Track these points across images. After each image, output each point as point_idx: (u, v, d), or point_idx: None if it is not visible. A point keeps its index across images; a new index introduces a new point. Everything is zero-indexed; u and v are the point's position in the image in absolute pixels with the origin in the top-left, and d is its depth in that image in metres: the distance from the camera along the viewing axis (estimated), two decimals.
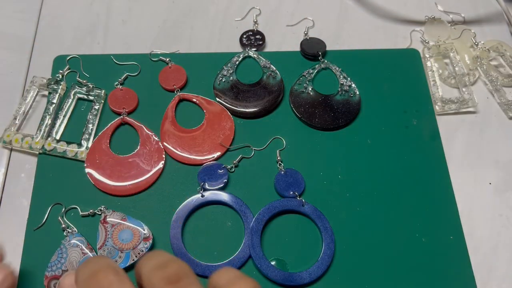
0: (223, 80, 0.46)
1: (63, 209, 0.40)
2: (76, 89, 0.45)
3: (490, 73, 0.48)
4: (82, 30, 0.50)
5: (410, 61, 0.49)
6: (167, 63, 0.47)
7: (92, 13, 0.51)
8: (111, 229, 0.38)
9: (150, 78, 0.46)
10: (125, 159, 0.42)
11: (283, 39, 0.50)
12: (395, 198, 0.41)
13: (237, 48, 0.49)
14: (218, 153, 0.43)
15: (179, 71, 0.46)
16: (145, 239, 0.38)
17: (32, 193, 0.41)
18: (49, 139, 0.43)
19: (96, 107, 0.44)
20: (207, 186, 0.41)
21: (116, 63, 0.47)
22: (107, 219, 0.39)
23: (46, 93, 0.46)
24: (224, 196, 0.40)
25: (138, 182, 0.41)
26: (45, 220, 0.40)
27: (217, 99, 0.45)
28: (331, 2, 0.53)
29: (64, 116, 0.44)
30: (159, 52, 0.48)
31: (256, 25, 0.51)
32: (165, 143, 0.43)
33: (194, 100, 0.45)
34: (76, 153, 0.42)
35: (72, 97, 0.45)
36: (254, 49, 0.48)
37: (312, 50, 0.48)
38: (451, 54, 0.49)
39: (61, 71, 0.46)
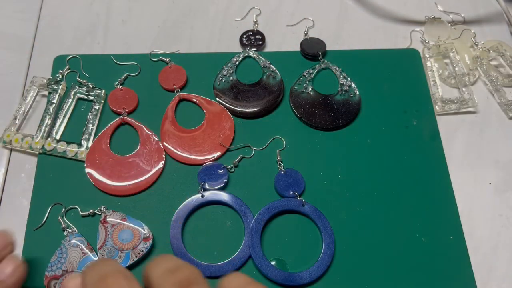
0: (223, 80, 0.46)
1: (63, 209, 0.40)
2: (76, 89, 0.45)
3: (490, 73, 0.48)
4: (82, 30, 0.50)
5: (410, 61, 0.49)
6: (167, 63, 0.47)
7: (92, 13, 0.51)
8: (111, 229, 0.38)
9: (150, 78, 0.46)
10: (125, 159, 0.42)
11: (283, 39, 0.50)
12: (395, 198, 0.41)
13: (237, 48, 0.49)
14: (218, 153, 0.43)
15: (179, 71, 0.46)
16: (145, 239, 0.38)
17: (32, 193, 0.41)
18: (49, 139, 0.43)
19: (96, 107, 0.44)
20: (207, 186, 0.41)
21: (116, 63, 0.47)
22: (107, 219, 0.39)
23: (46, 93, 0.46)
24: (224, 196, 0.40)
25: (138, 182, 0.41)
26: (45, 220, 0.40)
27: (217, 99, 0.45)
28: (331, 2, 0.53)
29: (64, 116, 0.44)
30: (159, 52, 0.48)
31: (256, 25, 0.51)
32: (165, 143, 0.43)
33: (194, 100, 0.45)
34: (76, 153, 0.42)
35: (72, 97, 0.45)
36: (254, 49, 0.48)
37: (312, 50, 0.48)
38: (451, 54, 0.49)
39: (61, 71, 0.46)
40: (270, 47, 0.50)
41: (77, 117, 0.45)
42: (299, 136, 0.44)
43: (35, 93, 0.45)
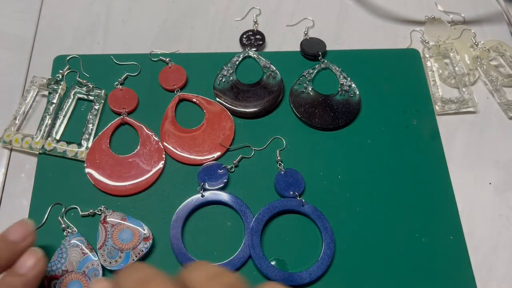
0: (223, 80, 0.46)
1: (63, 209, 0.40)
2: (76, 89, 0.45)
3: (490, 73, 0.48)
4: (82, 30, 0.50)
5: (410, 61, 0.49)
6: (167, 63, 0.47)
7: (92, 13, 0.51)
8: (111, 229, 0.38)
9: (150, 78, 0.46)
10: (125, 159, 0.42)
11: (283, 39, 0.50)
12: (395, 198, 0.41)
13: (237, 48, 0.49)
14: (218, 153, 0.43)
15: (179, 71, 0.46)
16: (145, 239, 0.38)
17: (32, 193, 0.41)
18: (49, 139, 0.43)
19: (96, 107, 0.44)
20: (207, 186, 0.41)
21: (116, 63, 0.47)
22: (107, 219, 0.39)
23: (46, 93, 0.46)
24: (224, 196, 0.40)
25: (138, 182, 0.41)
26: (45, 220, 0.40)
27: (217, 99, 0.45)
28: (331, 2, 0.53)
29: (64, 116, 0.44)
30: (159, 52, 0.48)
31: (256, 25, 0.51)
32: (165, 143, 0.43)
33: (194, 100, 0.45)
34: (76, 153, 0.42)
35: (72, 97, 0.45)
36: (254, 49, 0.48)
37: (312, 50, 0.48)
38: (451, 54, 0.49)
39: (61, 71, 0.46)
40: (270, 47, 0.50)
41: (77, 117, 0.45)
42: (299, 136, 0.44)
43: (35, 93, 0.45)
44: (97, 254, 0.38)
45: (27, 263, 0.32)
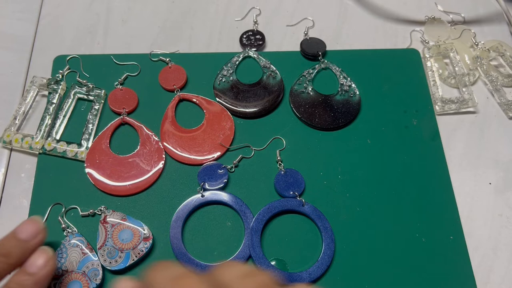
0: (223, 80, 0.46)
1: (63, 209, 0.40)
2: (76, 89, 0.45)
3: (490, 73, 0.48)
4: (82, 30, 0.50)
5: (410, 61, 0.49)
6: (167, 63, 0.47)
7: (92, 13, 0.51)
8: (111, 229, 0.38)
9: (150, 78, 0.46)
10: (125, 159, 0.42)
11: (283, 39, 0.50)
12: (395, 198, 0.41)
13: (237, 48, 0.49)
14: (218, 153, 0.43)
15: (179, 71, 0.46)
16: (145, 239, 0.38)
17: (32, 193, 0.41)
18: (49, 139, 0.43)
19: (96, 107, 0.44)
20: (207, 186, 0.41)
21: (116, 63, 0.47)
22: (107, 219, 0.39)
23: (46, 93, 0.46)
24: (224, 196, 0.40)
25: (138, 182, 0.41)
26: (45, 220, 0.40)
27: (217, 99, 0.45)
28: (331, 2, 0.53)
29: (64, 116, 0.44)
30: (159, 52, 0.48)
31: (256, 25, 0.51)
32: (165, 143, 0.43)
33: (194, 100, 0.45)
34: (76, 153, 0.42)
35: (72, 97, 0.45)
36: (254, 49, 0.48)
37: (312, 50, 0.48)
38: (451, 54, 0.49)
39: (61, 71, 0.46)
40: (270, 47, 0.50)
41: (77, 117, 0.45)
42: (299, 136, 0.44)
43: (35, 93, 0.45)
44: (97, 254, 0.38)
45: (37, 262, 0.32)
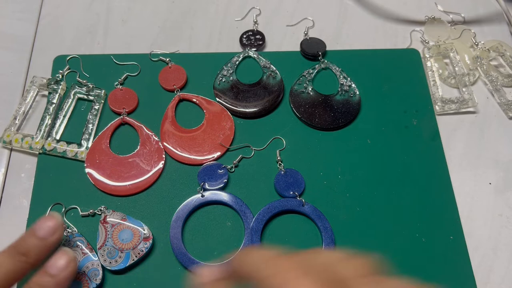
0: (223, 80, 0.46)
1: (63, 209, 0.40)
2: (76, 89, 0.45)
3: (490, 73, 0.48)
4: (82, 30, 0.50)
5: (410, 61, 0.49)
6: (167, 63, 0.47)
7: (92, 13, 0.51)
8: (111, 229, 0.38)
9: (150, 78, 0.46)
10: (125, 159, 0.42)
11: (283, 39, 0.50)
12: (395, 198, 0.41)
13: (237, 48, 0.49)
14: (218, 153, 0.43)
15: (179, 71, 0.46)
16: (145, 239, 0.38)
17: (32, 193, 0.41)
18: (49, 139, 0.43)
19: (96, 107, 0.44)
20: (207, 186, 0.41)
21: (116, 63, 0.47)
22: (107, 219, 0.39)
23: (46, 93, 0.46)
24: (224, 196, 0.40)
25: (138, 182, 0.41)
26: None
27: (217, 99, 0.45)
28: (331, 2, 0.53)
29: (64, 116, 0.44)
30: (159, 52, 0.48)
31: (256, 25, 0.51)
32: (165, 143, 0.43)
33: (194, 100, 0.45)
34: (76, 153, 0.42)
35: (72, 97, 0.45)
36: (254, 49, 0.48)
37: (312, 50, 0.48)
38: (451, 54, 0.49)
39: (61, 71, 0.46)
40: (270, 47, 0.50)
41: (77, 117, 0.45)
42: (299, 136, 0.44)
43: (35, 93, 0.45)
44: (97, 254, 0.38)
45: (58, 263, 0.32)
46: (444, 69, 0.48)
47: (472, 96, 0.46)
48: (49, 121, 0.43)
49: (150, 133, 0.43)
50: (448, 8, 0.52)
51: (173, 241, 0.39)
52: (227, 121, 0.44)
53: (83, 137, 0.43)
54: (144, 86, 0.46)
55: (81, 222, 0.40)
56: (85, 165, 0.42)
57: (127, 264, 0.37)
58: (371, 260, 0.23)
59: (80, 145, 0.43)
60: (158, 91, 0.46)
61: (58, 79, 0.45)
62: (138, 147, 0.43)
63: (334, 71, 0.47)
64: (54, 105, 0.44)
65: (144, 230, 0.38)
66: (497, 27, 0.52)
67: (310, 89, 0.46)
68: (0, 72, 0.47)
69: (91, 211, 0.40)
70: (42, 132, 0.43)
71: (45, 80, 0.45)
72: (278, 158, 0.43)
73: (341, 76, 0.47)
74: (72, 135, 0.43)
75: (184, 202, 0.40)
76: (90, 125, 0.44)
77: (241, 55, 0.48)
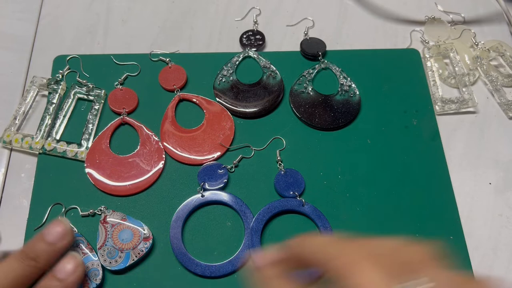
0: (223, 80, 0.46)
1: (63, 209, 0.40)
2: (76, 89, 0.45)
3: (490, 73, 0.48)
4: (82, 30, 0.50)
5: (410, 61, 0.49)
6: (167, 63, 0.47)
7: (92, 13, 0.51)
8: (111, 229, 0.38)
9: (150, 78, 0.46)
10: (125, 159, 0.42)
11: (283, 39, 0.50)
12: (395, 198, 0.41)
13: (237, 48, 0.49)
14: (218, 153, 0.43)
15: (179, 71, 0.46)
16: (145, 239, 0.38)
17: (32, 193, 0.41)
18: (49, 139, 0.43)
19: (96, 107, 0.44)
20: (207, 186, 0.41)
21: (116, 63, 0.47)
22: (107, 219, 0.39)
23: (46, 93, 0.46)
24: (224, 196, 0.40)
25: (138, 182, 0.41)
26: (45, 220, 0.40)
27: (217, 99, 0.45)
28: (331, 2, 0.53)
29: (64, 116, 0.44)
30: (159, 52, 0.48)
31: (256, 25, 0.51)
32: (165, 143, 0.43)
33: (194, 100, 0.45)
34: (76, 153, 0.42)
35: (72, 97, 0.45)
36: (254, 49, 0.48)
37: (312, 50, 0.48)
38: (451, 54, 0.49)
39: (61, 71, 0.46)
40: (270, 47, 0.50)
41: (77, 117, 0.45)
42: (299, 136, 0.44)
43: (35, 93, 0.45)
44: (97, 254, 0.38)
45: (66, 268, 0.32)
46: (444, 69, 0.48)
47: (472, 96, 0.46)
48: (49, 121, 0.43)
49: (150, 133, 0.43)
50: (448, 8, 0.52)
51: (173, 241, 0.39)
52: (227, 121, 0.44)
53: (83, 137, 0.43)
54: (144, 86, 0.46)
55: (81, 222, 0.40)
56: (85, 165, 0.42)
57: (127, 264, 0.37)
58: (433, 246, 0.23)
59: (80, 145, 0.43)
60: (158, 91, 0.46)
61: (58, 79, 0.45)
62: (138, 147, 0.43)
63: (334, 71, 0.47)
64: (54, 105, 0.44)
65: (144, 230, 0.38)
66: (497, 27, 0.52)
67: (310, 89, 0.46)
68: (0, 72, 0.47)
69: (91, 211, 0.40)
70: (42, 132, 0.43)
71: (45, 80, 0.45)
72: (278, 158, 0.43)
73: (341, 76, 0.47)
74: (72, 135, 0.43)
75: (184, 202, 0.40)
76: (90, 125, 0.44)
77: (241, 55, 0.48)
